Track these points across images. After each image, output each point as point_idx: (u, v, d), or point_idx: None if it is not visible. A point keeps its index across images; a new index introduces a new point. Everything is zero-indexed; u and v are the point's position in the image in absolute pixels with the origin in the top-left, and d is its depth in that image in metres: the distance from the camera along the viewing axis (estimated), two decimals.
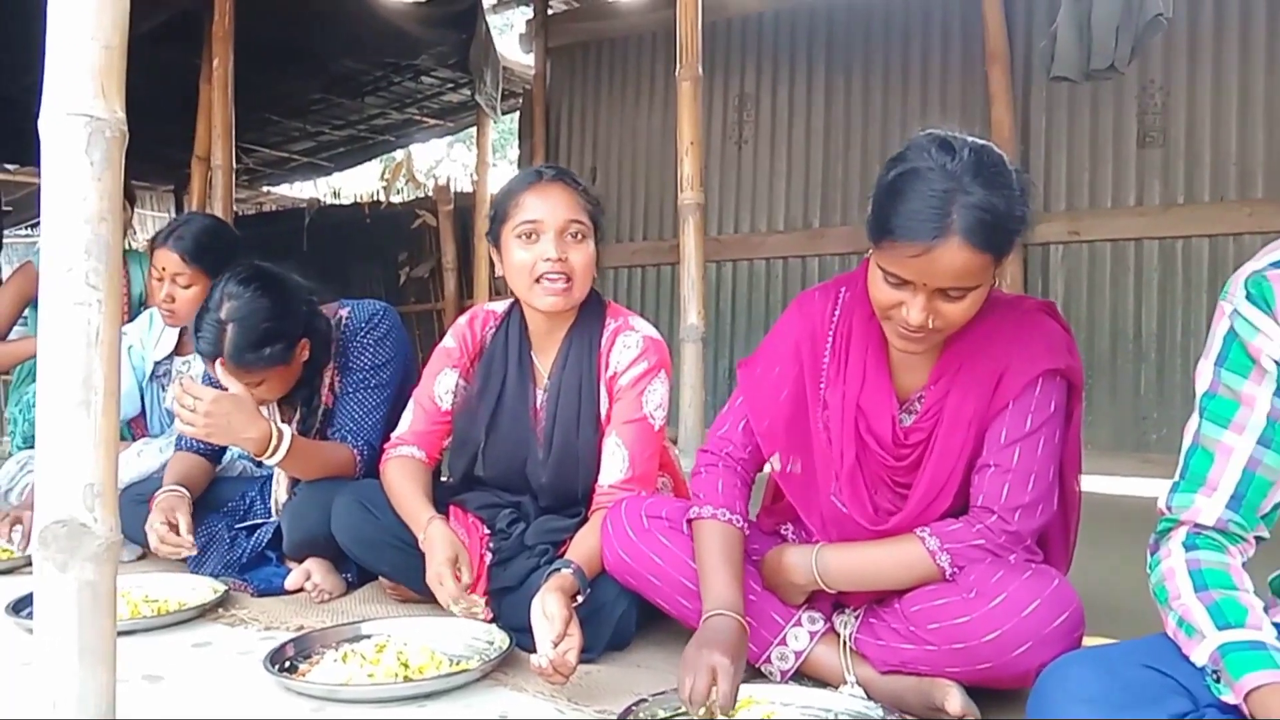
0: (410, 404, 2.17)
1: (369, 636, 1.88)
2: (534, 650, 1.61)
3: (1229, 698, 1.09)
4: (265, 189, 9.42)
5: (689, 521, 1.75)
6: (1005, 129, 4.43)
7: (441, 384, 2.13)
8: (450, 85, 6.21)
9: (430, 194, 6.65)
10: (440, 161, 20.04)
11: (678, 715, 1.54)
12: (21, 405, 3.38)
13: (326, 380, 2.41)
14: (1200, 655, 1.13)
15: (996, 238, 1.40)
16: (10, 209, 9.66)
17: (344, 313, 2.44)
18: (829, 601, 1.71)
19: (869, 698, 1.59)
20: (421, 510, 1.97)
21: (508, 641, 1.83)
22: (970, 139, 1.46)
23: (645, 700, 1.55)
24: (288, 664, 1.78)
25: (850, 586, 1.65)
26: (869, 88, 5.00)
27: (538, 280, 1.95)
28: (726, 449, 1.79)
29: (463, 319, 2.21)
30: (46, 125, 1.43)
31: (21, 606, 2.10)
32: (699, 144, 3.10)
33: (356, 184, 10.29)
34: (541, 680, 1.62)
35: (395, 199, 7.55)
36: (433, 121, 6.89)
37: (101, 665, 1.44)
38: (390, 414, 2.35)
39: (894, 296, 1.48)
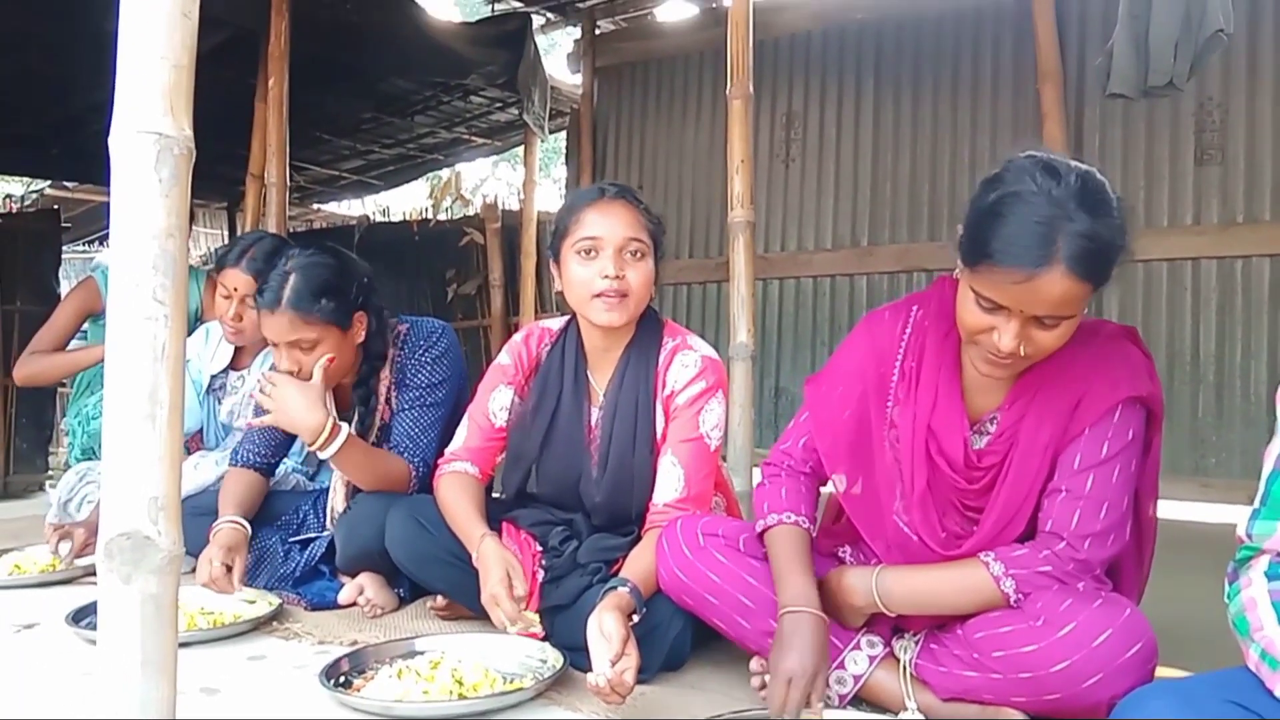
0: (464, 420, 2.17)
1: (423, 653, 1.87)
2: (588, 669, 1.60)
3: None
4: (316, 206, 9.55)
5: (760, 535, 1.74)
6: (1058, 147, 4.36)
7: (496, 400, 2.14)
8: (499, 105, 6.26)
9: (478, 212, 6.69)
10: (485, 180, 20.24)
11: None
12: (81, 417, 3.44)
13: (383, 392, 2.42)
14: None
15: (1099, 267, 1.38)
16: (70, 225, 9.87)
17: (403, 328, 2.46)
18: (888, 625, 1.68)
19: None
20: (475, 527, 1.97)
21: (561, 660, 1.81)
22: (1074, 164, 1.43)
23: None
24: (342, 679, 1.79)
25: (911, 610, 1.62)
26: (918, 105, 4.96)
27: (595, 296, 1.95)
28: (788, 461, 1.80)
29: (518, 336, 2.21)
30: (116, 142, 1.45)
31: (81, 616, 2.12)
32: (749, 162, 3.08)
33: (405, 202, 10.41)
34: (597, 700, 1.60)
35: (443, 217, 7.61)
36: (481, 140, 6.95)
37: (163, 677, 1.45)
38: (445, 432, 2.36)
39: (986, 321, 1.45)
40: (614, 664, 1.56)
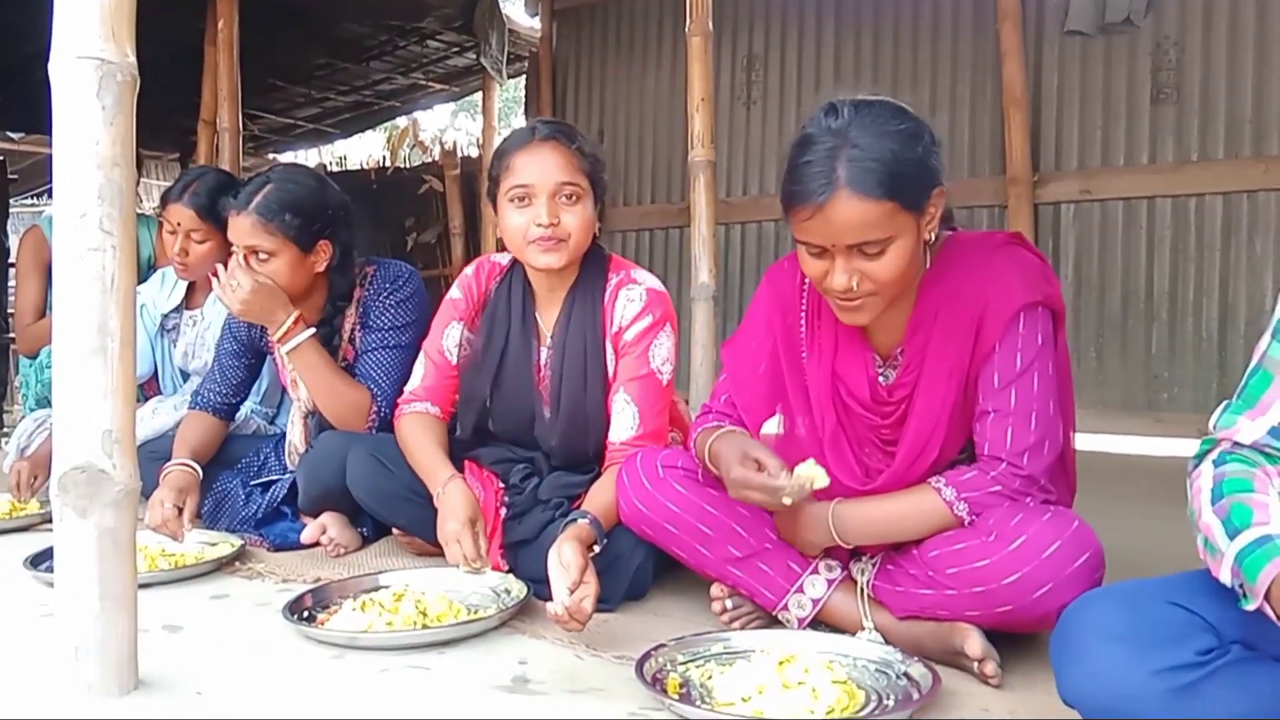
0: (420, 358, 2.16)
1: (387, 587, 1.88)
2: (551, 600, 1.62)
3: (1250, 606, 1.04)
4: (271, 156, 9.37)
5: (695, 438, 1.77)
6: (1017, 87, 4.39)
7: (449, 337, 2.13)
8: (456, 49, 6.16)
9: (437, 159, 6.61)
10: (445, 130, 19.94)
11: (696, 659, 1.55)
12: (35, 367, 3.38)
13: (347, 331, 2.40)
14: (1224, 574, 1.08)
15: (892, 183, 1.42)
16: (16, 177, 9.62)
17: (370, 269, 2.44)
18: (845, 549, 1.71)
19: (887, 643, 1.59)
20: (440, 468, 1.97)
21: (525, 590, 1.83)
22: (862, 98, 1.51)
23: (664, 645, 1.55)
24: (306, 614, 1.79)
25: (868, 540, 1.65)
26: (879, 47, 4.95)
27: (531, 242, 1.94)
28: (717, 410, 1.81)
29: (468, 269, 2.19)
30: (57, 69, 1.42)
31: (40, 560, 2.11)
32: (709, 101, 3.06)
33: (362, 151, 10.25)
34: (558, 628, 1.62)
35: (401, 165, 7.51)
36: (439, 86, 6.84)
37: (123, 611, 1.45)
38: (408, 375, 2.36)
39: (818, 267, 1.50)
40: (572, 592, 1.58)
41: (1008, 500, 1.53)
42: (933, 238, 1.54)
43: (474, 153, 6.72)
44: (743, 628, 1.73)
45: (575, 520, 1.75)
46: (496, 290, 2.12)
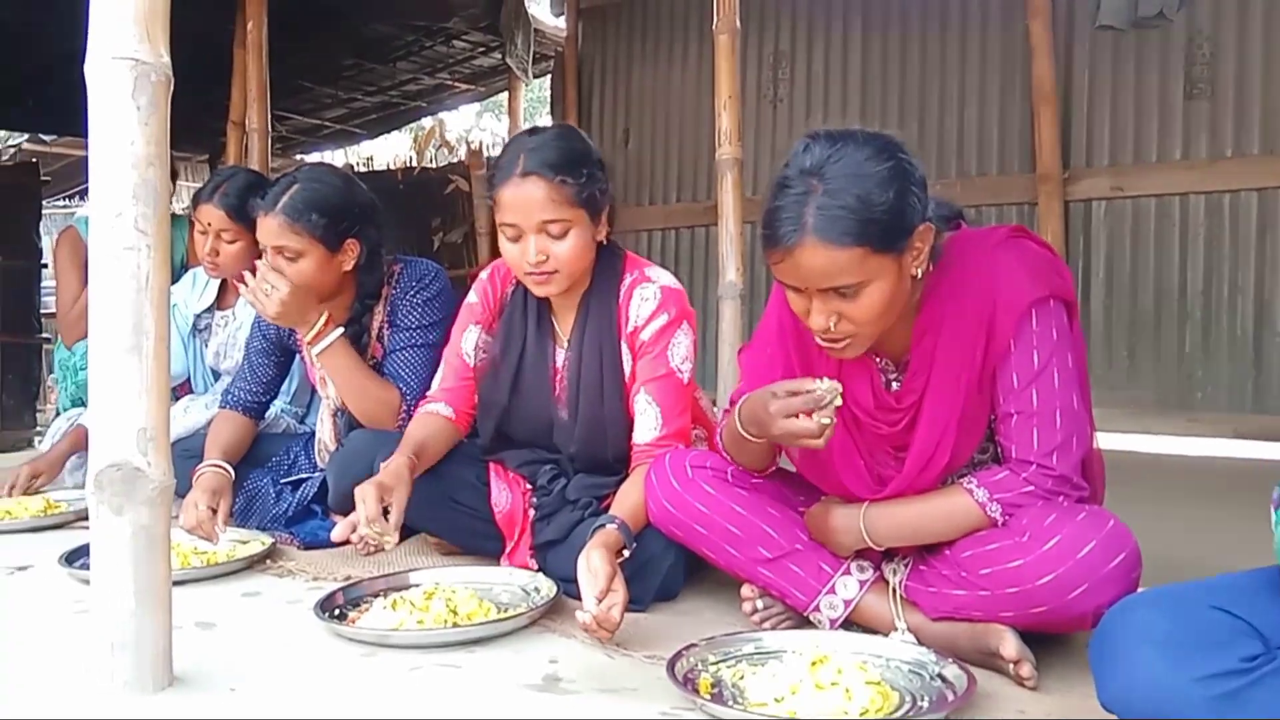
0: (441, 362, 2.17)
1: (418, 585, 1.88)
2: (581, 601, 1.61)
3: None
4: (298, 157, 9.44)
5: (724, 413, 1.74)
6: (1047, 83, 4.34)
7: (468, 340, 2.13)
8: (482, 49, 6.18)
9: (463, 159, 6.63)
10: (470, 131, 20.03)
11: (728, 659, 1.54)
12: (69, 368, 3.42)
13: (374, 328, 2.41)
14: None
15: (862, 230, 1.39)
16: (49, 179, 9.73)
17: (397, 268, 2.45)
18: (878, 551, 1.70)
19: (920, 644, 1.57)
20: (403, 449, 1.93)
21: (555, 589, 1.83)
22: (846, 131, 1.47)
23: (695, 645, 1.55)
24: (337, 612, 1.80)
25: (899, 542, 1.64)
26: (906, 44, 4.91)
27: (525, 274, 1.93)
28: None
29: (484, 273, 2.19)
30: (92, 70, 1.43)
31: (75, 558, 2.13)
32: (736, 98, 3.05)
33: (388, 151, 10.30)
34: (586, 633, 1.62)
35: (427, 165, 7.54)
36: (464, 87, 6.86)
37: (158, 608, 1.46)
38: (433, 376, 2.37)
39: (799, 304, 1.50)
40: (600, 600, 1.58)
41: (1041, 500, 1.51)
42: (919, 274, 1.50)
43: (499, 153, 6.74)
44: (774, 628, 1.72)
45: (603, 525, 1.75)
46: (513, 295, 2.12)
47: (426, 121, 8.80)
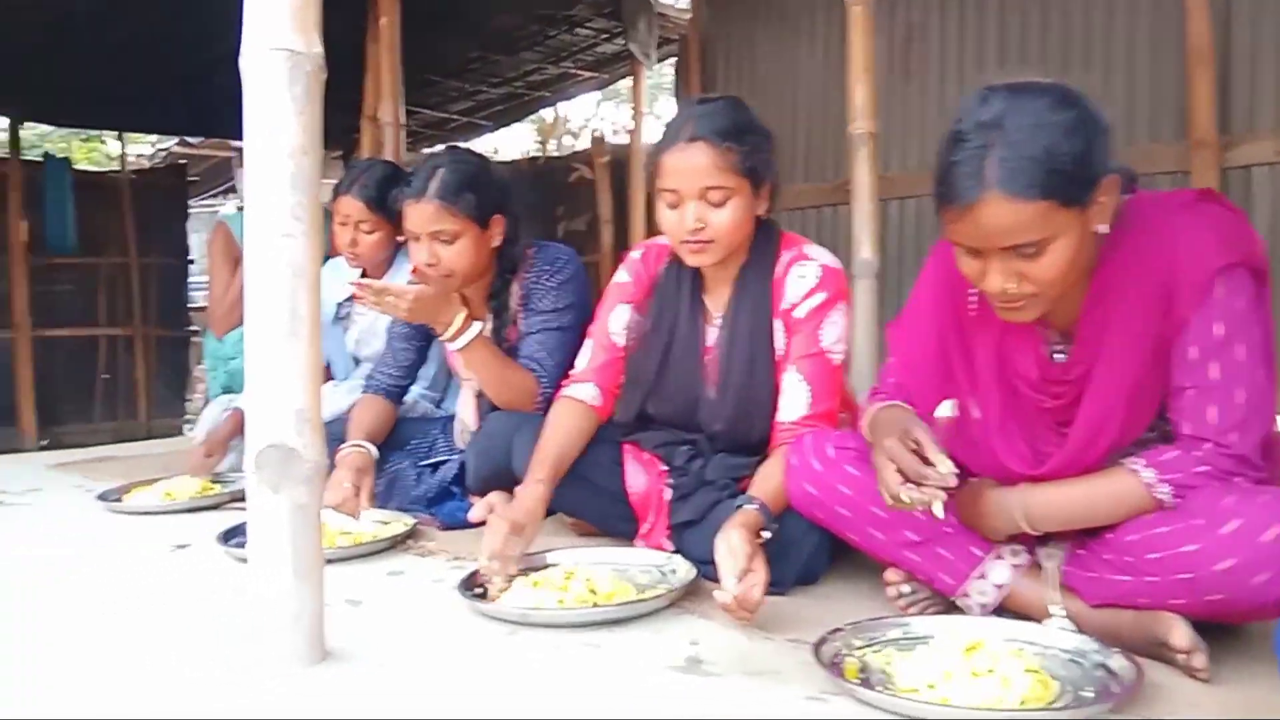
0: (587, 341, 2.17)
1: (557, 565, 1.90)
2: (718, 583, 1.60)
3: None
4: (425, 151, 9.70)
5: (871, 393, 1.71)
6: (1203, 42, 4.08)
7: (616, 319, 2.12)
8: (605, 36, 6.20)
9: (586, 148, 6.68)
10: (590, 120, 20.17)
11: (874, 644, 1.50)
12: (220, 358, 3.58)
13: (512, 306, 2.44)
14: None
15: (1048, 181, 1.32)
16: (196, 179, 10.24)
17: (531, 251, 2.48)
18: (1032, 535, 1.62)
19: (1079, 632, 1.49)
20: (537, 466, 1.95)
21: (692, 571, 1.82)
22: (1021, 82, 1.40)
23: (840, 630, 1.51)
24: (479, 591, 1.82)
25: (1058, 526, 1.55)
26: (1047, 7, 4.69)
27: (682, 243, 1.91)
28: (889, 394, 1.73)
29: (635, 252, 2.19)
30: (248, 62, 1.47)
31: (231, 536, 2.23)
32: (871, 71, 2.97)
33: (512, 143, 10.47)
34: (725, 614, 1.60)
35: (552, 155, 7.63)
36: (587, 75, 6.90)
37: (311, 582, 1.51)
38: (570, 357, 2.39)
39: (974, 267, 1.42)
40: (740, 580, 1.55)
41: (1215, 482, 1.41)
42: (1102, 230, 1.42)
43: (624, 140, 6.76)
44: (920, 614, 1.67)
45: (742, 506, 1.72)
46: (664, 272, 2.10)
47: (546, 113, 8.92)
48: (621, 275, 2.16)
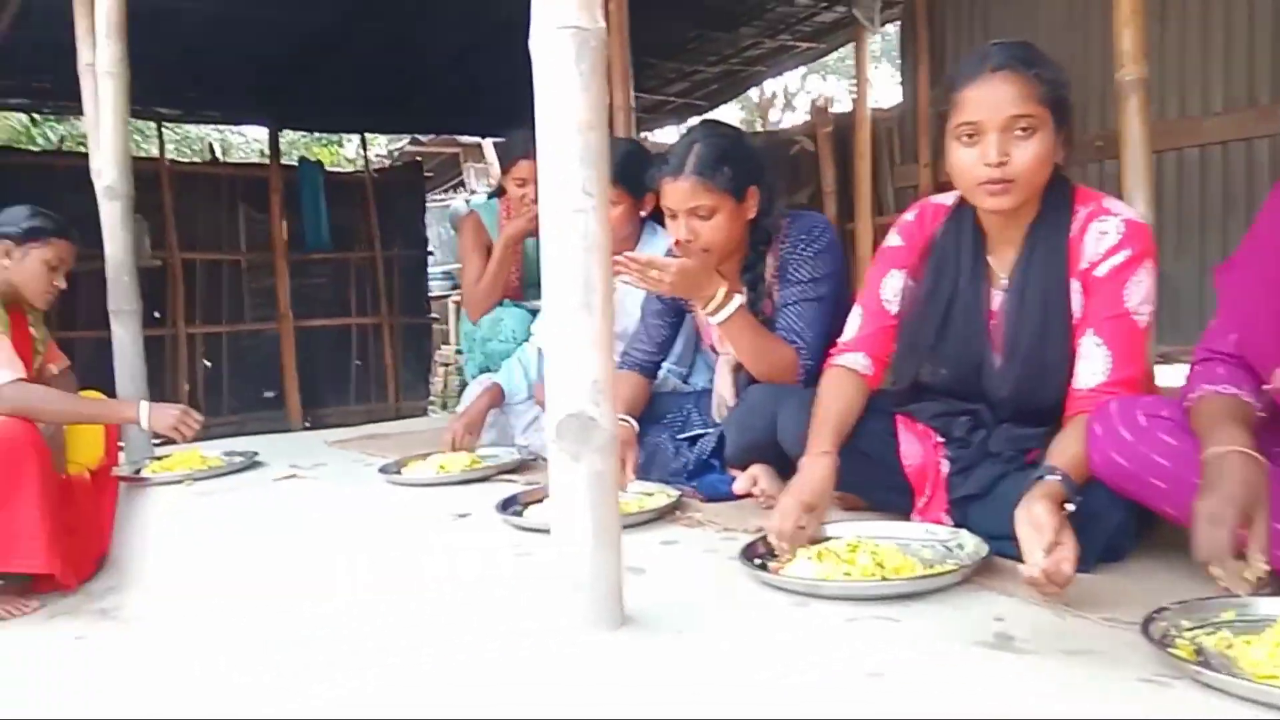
0: (855, 309, 2.11)
1: (838, 537, 1.86)
2: (1014, 559, 1.51)
3: None
4: (643, 135, 9.81)
5: (1185, 410, 1.56)
6: None
7: (888, 285, 2.05)
8: (824, 4, 6.06)
9: (807, 118, 6.56)
10: (796, 94, 19.88)
11: (1205, 626, 1.38)
12: (476, 340, 3.75)
13: (768, 278, 2.42)
14: None
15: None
16: (431, 174, 10.82)
17: (784, 222, 2.44)
18: None
19: None
20: (819, 436, 1.91)
21: (984, 547, 1.74)
22: None
23: (1166, 609, 1.40)
24: (757, 562, 1.81)
25: None
26: None
27: (979, 184, 1.80)
28: (1220, 350, 1.59)
29: (909, 214, 2.10)
30: (537, 41, 1.51)
31: (507, 505, 2.33)
32: (1141, 13, 2.74)
33: (728, 119, 10.44)
34: (1029, 589, 1.51)
35: (771, 129, 7.54)
36: (805, 46, 6.77)
37: (610, 548, 1.54)
38: (828, 328, 2.34)
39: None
40: (1048, 553, 1.46)
41: None
42: None
43: (847, 109, 6.60)
44: (1252, 593, 1.52)
45: (1041, 476, 1.63)
46: (942, 233, 2.00)
47: (753, 91, 8.82)
48: (893, 239, 2.08)
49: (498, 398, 3.15)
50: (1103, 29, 4.69)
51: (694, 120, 9.05)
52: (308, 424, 7.18)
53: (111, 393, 3.34)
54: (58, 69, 5.58)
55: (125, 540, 3.00)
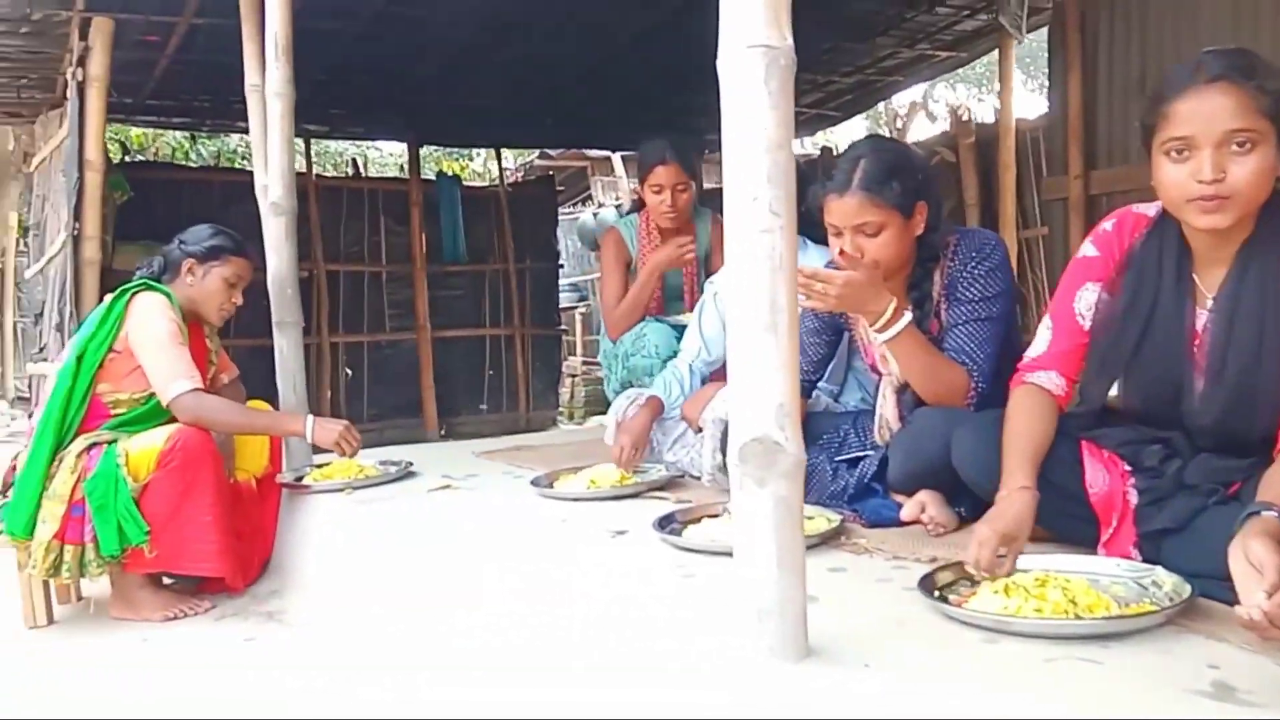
0: (1044, 323, 2.01)
1: (1025, 570, 1.77)
2: (1223, 601, 1.41)
3: None
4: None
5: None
6: None
7: (1082, 299, 1.95)
8: (967, 12, 5.88)
9: (948, 129, 6.39)
10: (923, 102, 19.48)
11: None
12: (619, 354, 3.76)
13: (934, 296, 2.35)
14: None
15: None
16: (563, 189, 10.98)
17: (952, 238, 2.37)
18: None
19: None
20: (1018, 469, 1.82)
21: (1186, 586, 1.63)
22: None
23: None
24: (936, 593, 1.75)
25: None
26: None
27: (1190, 201, 1.69)
28: None
29: (1106, 223, 1.99)
30: (725, 60, 1.49)
31: (665, 524, 2.31)
32: None
33: (852, 131, 10.31)
34: (1245, 633, 1.41)
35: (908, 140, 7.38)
36: (944, 54, 6.59)
37: (795, 576, 1.50)
38: (1000, 349, 2.26)
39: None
40: (1270, 595, 1.36)
41: None
42: None
43: (983, 118, 6.40)
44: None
45: (1257, 513, 1.51)
46: (1143, 246, 1.89)
47: (881, 103, 8.65)
48: (1088, 249, 1.97)
49: (657, 411, 3.12)
50: (1274, 28, 4.45)
51: (828, 132, 8.95)
52: (443, 432, 7.36)
53: (269, 397, 3.47)
54: (216, 89, 5.92)
55: (287, 545, 3.11)
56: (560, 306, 9.02)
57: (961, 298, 2.30)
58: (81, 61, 4.25)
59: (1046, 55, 5.56)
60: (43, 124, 5.64)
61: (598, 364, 9.87)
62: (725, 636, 1.56)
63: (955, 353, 2.27)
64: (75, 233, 4.17)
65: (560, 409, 8.67)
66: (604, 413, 8.84)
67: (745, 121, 1.47)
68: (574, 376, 9.28)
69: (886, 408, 2.43)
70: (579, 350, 10.82)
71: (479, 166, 15.89)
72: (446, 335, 7.51)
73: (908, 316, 2.21)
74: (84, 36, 4.28)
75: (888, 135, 2.69)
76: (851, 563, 2.08)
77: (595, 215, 11.69)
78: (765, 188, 1.46)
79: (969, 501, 2.25)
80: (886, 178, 2.23)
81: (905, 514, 2.26)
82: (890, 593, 1.85)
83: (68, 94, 4.58)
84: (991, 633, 1.59)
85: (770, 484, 1.47)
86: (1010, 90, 5.82)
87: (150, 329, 2.86)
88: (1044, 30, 5.86)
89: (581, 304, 11.75)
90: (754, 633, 1.50)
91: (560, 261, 8.71)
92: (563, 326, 9.07)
